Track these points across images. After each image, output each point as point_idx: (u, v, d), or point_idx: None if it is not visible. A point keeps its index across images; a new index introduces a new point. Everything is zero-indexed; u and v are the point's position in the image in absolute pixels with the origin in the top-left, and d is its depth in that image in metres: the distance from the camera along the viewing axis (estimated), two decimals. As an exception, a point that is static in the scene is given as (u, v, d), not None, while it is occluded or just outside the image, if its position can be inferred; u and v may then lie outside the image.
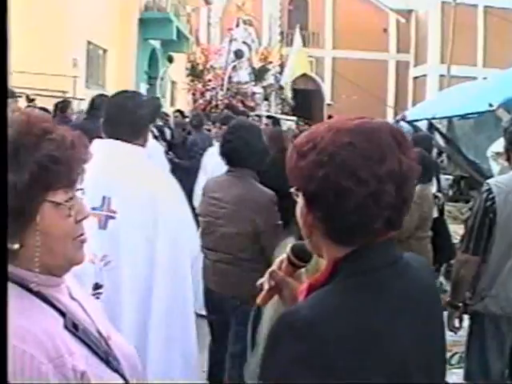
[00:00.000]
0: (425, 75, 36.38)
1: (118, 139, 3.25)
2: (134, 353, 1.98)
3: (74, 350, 1.63)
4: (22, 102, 10.68)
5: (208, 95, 20.41)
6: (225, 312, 4.73)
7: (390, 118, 34.35)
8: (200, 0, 28.19)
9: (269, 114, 17.32)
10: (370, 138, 1.53)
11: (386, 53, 39.20)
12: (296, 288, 1.90)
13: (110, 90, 21.71)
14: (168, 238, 3.18)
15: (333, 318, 1.47)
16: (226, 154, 4.76)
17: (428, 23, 36.73)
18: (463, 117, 8.06)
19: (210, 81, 20.63)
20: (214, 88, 20.39)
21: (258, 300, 2.02)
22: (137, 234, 3.11)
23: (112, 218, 3.08)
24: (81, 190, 1.76)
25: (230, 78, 20.49)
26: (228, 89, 20.16)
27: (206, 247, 4.74)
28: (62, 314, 1.69)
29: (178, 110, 17.05)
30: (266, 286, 1.97)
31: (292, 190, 1.65)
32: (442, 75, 31.24)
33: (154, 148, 6.17)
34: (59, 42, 18.08)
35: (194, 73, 21.23)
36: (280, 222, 4.56)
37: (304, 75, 37.45)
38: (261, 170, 4.81)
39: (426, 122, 9.62)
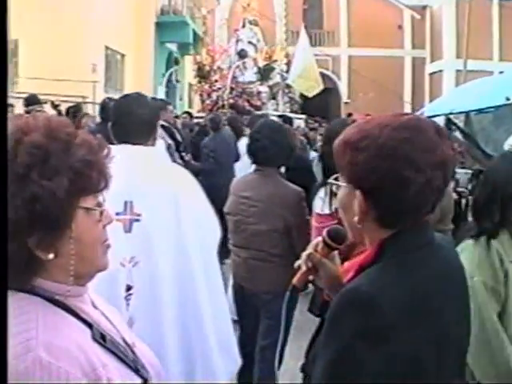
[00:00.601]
0: (441, 71, 36.21)
1: (127, 143, 3.30)
2: (156, 360, 1.97)
3: (106, 362, 1.62)
4: (47, 109, 10.77)
5: (214, 96, 20.36)
6: (256, 307, 4.85)
7: (407, 115, 34.31)
8: (214, 2, 28.30)
9: (280, 113, 17.24)
10: (421, 133, 1.73)
11: (401, 49, 39.06)
12: (332, 268, 2.05)
13: (129, 94, 21.92)
14: (192, 231, 3.25)
15: (390, 293, 1.60)
16: (253, 152, 4.88)
17: (443, 18, 36.54)
18: (480, 111, 8.12)
19: (216, 81, 20.54)
20: (220, 88, 20.32)
21: (295, 280, 2.11)
22: (162, 232, 3.18)
23: (136, 220, 3.14)
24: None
25: (235, 78, 20.40)
26: (233, 89, 20.07)
27: (237, 245, 4.86)
28: (89, 324, 1.68)
29: (186, 112, 17.19)
30: (304, 268, 2.06)
31: (341, 183, 1.83)
32: (458, 70, 30.97)
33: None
34: (78, 47, 18.26)
35: (201, 74, 21.20)
36: (308, 218, 4.67)
37: (320, 74, 37.61)
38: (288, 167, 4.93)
39: (443, 117, 9.67)
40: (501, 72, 14.38)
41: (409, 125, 1.74)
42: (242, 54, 20.37)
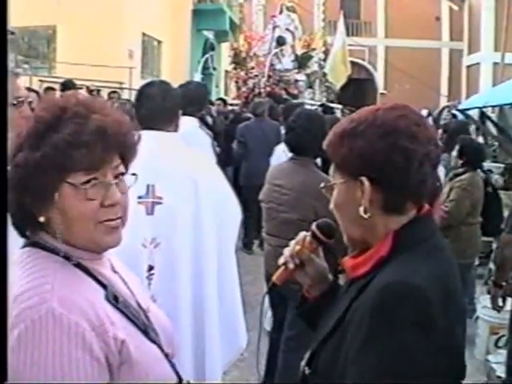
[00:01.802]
0: (478, 63, 35.83)
1: (151, 129, 3.39)
2: (169, 325, 2.07)
3: (115, 320, 1.72)
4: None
5: (251, 83, 19.66)
6: (284, 297, 4.91)
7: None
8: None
9: (320, 102, 17.07)
10: (411, 111, 1.78)
11: (438, 41, 38.72)
12: (320, 264, 2.07)
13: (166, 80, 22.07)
14: (211, 212, 3.33)
15: (430, 282, 1.60)
16: (288, 142, 4.92)
17: (481, 10, 36.11)
18: (515, 105, 8.11)
19: (252, 68, 20.09)
20: (256, 76, 19.99)
21: (275, 278, 2.08)
22: (183, 214, 3.26)
23: (158, 203, 3.24)
24: (133, 175, 1.89)
25: (272, 65, 20.12)
26: (270, 76, 19.81)
27: (268, 233, 4.89)
28: (104, 286, 1.79)
29: (221, 98, 17.14)
30: (291, 265, 2.04)
31: (340, 180, 1.80)
32: (495, 63, 30.67)
33: (201, 137, 6.18)
34: (115, 34, 18.46)
35: (237, 60, 20.95)
36: None
37: (355, 64, 37.43)
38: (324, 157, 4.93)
39: (477, 111, 9.63)
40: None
41: (398, 106, 1.78)
42: (280, 41, 19.95)
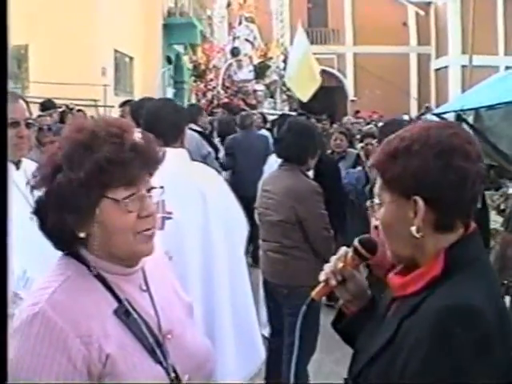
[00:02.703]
0: (446, 66, 36.20)
1: (158, 146, 3.51)
2: (202, 353, 2.08)
3: (111, 333, 1.80)
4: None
5: (209, 95, 19.81)
6: (278, 301, 4.99)
7: (414, 110, 34.32)
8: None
9: (277, 112, 16.68)
10: (461, 128, 1.81)
11: (406, 46, 39.04)
12: (361, 281, 2.03)
13: (138, 96, 22.02)
14: (219, 228, 3.43)
15: (487, 304, 1.60)
16: (277, 150, 5.16)
17: (447, 14, 36.47)
18: (490, 107, 8.22)
19: (211, 80, 19.90)
20: (214, 87, 19.79)
21: (314, 293, 2.04)
22: (192, 228, 3.38)
23: (168, 218, 3.33)
24: (160, 188, 2.01)
25: (230, 76, 19.89)
26: (228, 88, 19.58)
27: (262, 239, 5.05)
28: (119, 300, 1.86)
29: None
30: (334, 282, 1.99)
31: (390, 199, 1.77)
32: (463, 66, 31.02)
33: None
34: (88, 51, 18.43)
35: (197, 73, 20.71)
36: (324, 212, 4.83)
37: (325, 72, 37.61)
38: (310, 166, 5.08)
39: (453, 114, 9.78)
40: (507, 67, 14.44)
41: (448, 123, 1.82)
42: (234, 52, 19.65)
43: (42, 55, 18.73)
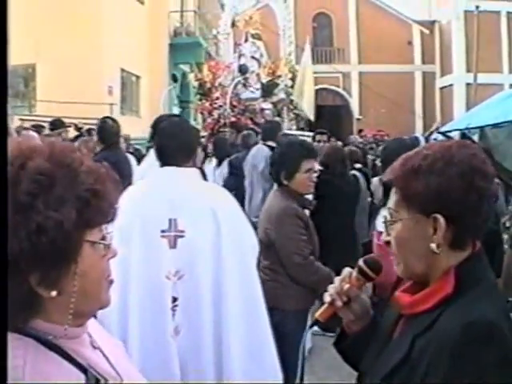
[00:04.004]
0: (451, 85, 36.29)
1: (170, 165, 3.55)
2: None
3: None
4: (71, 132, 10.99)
5: (216, 114, 18.73)
6: None
7: (419, 129, 34.42)
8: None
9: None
10: (478, 149, 1.81)
11: (411, 65, 39.14)
12: (366, 301, 2.01)
13: (144, 115, 22.16)
14: (231, 242, 3.45)
15: (502, 320, 1.63)
16: (270, 173, 5.04)
17: (452, 33, 36.63)
18: (496, 126, 8.25)
19: (217, 99, 19.48)
20: (221, 106, 19.38)
21: (318, 314, 1.99)
22: (204, 246, 3.39)
23: (181, 236, 3.38)
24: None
25: (237, 95, 19.50)
26: (235, 106, 19.20)
27: None
28: (84, 369, 1.56)
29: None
30: (339, 303, 1.95)
31: (407, 215, 1.79)
32: (468, 84, 31.17)
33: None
34: (95, 70, 18.59)
35: (202, 91, 20.37)
36: (298, 237, 4.62)
37: (330, 91, 37.70)
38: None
39: (458, 132, 9.80)
40: (512, 85, 14.47)
41: (466, 144, 1.84)
42: (242, 70, 19.03)
43: (49, 74, 18.90)
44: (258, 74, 19.63)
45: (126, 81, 22.86)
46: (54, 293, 1.45)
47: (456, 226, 1.73)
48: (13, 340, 1.42)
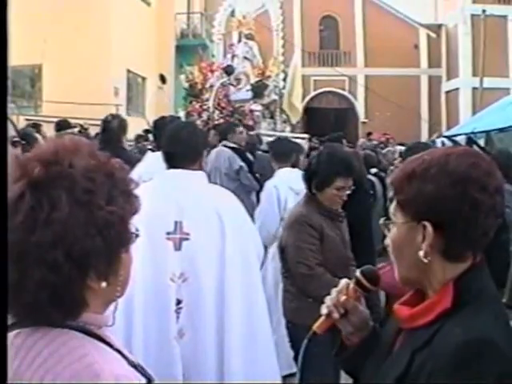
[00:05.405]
0: (457, 89, 36.20)
1: (177, 167, 3.59)
2: None
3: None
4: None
5: (205, 115, 18.45)
6: None
7: (424, 133, 34.36)
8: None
9: (272, 133, 15.96)
10: (483, 158, 1.77)
11: (417, 68, 39.01)
12: (364, 312, 2.00)
13: (150, 117, 22.16)
14: (236, 245, 3.49)
15: (501, 335, 1.61)
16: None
17: (458, 37, 36.55)
18: (502, 130, 8.25)
19: (207, 100, 18.57)
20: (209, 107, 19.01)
21: (316, 326, 1.98)
22: (209, 249, 3.44)
23: (186, 239, 3.41)
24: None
25: (226, 96, 19.03)
26: (224, 108, 18.74)
27: None
28: (119, 352, 1.59)
29: None
30: (337, 315, 1.93)
31: (402, 220, 1.76)
32: (474, 88, 31.11)
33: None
34: (101, 71, 18.65)
35: (193, 93, 19.88)
36: (305, 246, 4.35)
37: (336, 94, 37.65)
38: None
39: (464, 137, 9.81)
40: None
41: (470, 152, 1.80)
42: (228, 71, 18.70)
43: (55, 75, 18.96)
44: (247, 75, 19.15)
45: (132, 82, 22.91)
46: (104, 284, 1.51)
47: (446, 236, 1.70)
48: (60, 336, 1.47)
